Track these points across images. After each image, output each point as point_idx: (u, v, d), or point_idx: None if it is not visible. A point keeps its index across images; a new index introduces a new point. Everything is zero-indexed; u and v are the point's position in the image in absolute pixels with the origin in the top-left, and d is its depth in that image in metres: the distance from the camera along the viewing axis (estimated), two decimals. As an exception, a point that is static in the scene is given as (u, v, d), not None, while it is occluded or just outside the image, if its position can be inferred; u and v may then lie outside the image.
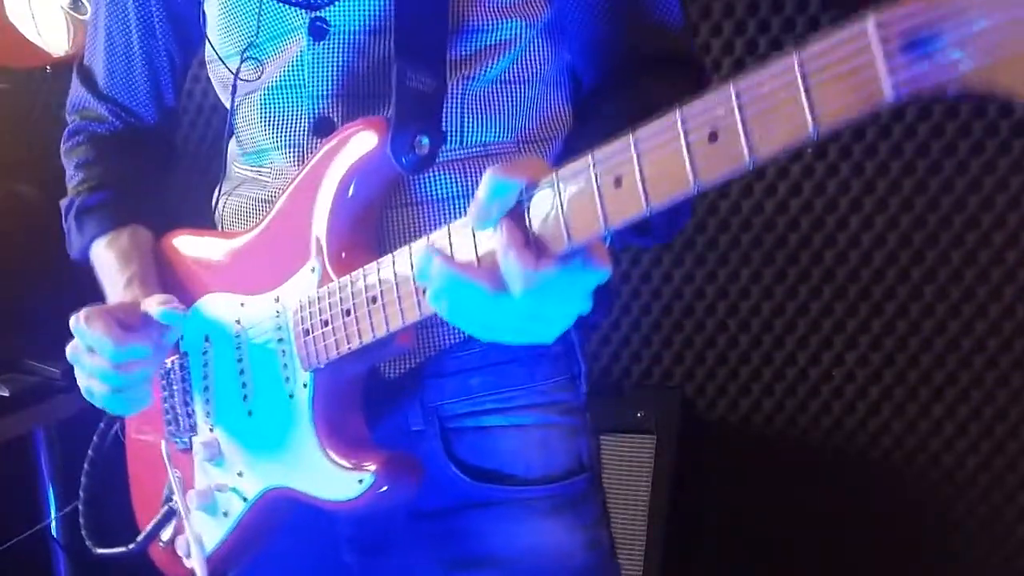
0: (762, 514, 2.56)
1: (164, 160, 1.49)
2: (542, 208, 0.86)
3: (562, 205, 0.85)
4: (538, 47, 1.20)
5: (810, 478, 2.54)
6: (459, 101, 1.16)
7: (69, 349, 1.18)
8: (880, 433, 2.48)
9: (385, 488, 1.07)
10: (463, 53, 1.15)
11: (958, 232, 2.33)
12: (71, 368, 1.21)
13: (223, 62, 1.27)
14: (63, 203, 1.41)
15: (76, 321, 1.15)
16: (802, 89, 0.70)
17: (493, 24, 1.15)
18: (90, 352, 1.16)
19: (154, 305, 1.17)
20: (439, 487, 1.17)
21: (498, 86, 1.18)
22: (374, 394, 1.16)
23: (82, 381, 1.20)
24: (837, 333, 2.48)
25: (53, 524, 2.47)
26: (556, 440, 1.21)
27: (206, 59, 1.32)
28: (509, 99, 1.19)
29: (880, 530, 2.48)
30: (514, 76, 1.19)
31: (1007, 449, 2.38)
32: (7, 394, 2.37)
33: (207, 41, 1.28)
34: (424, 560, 1.21)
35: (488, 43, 1.16)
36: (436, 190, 1.16)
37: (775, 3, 2.41)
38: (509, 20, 1.15)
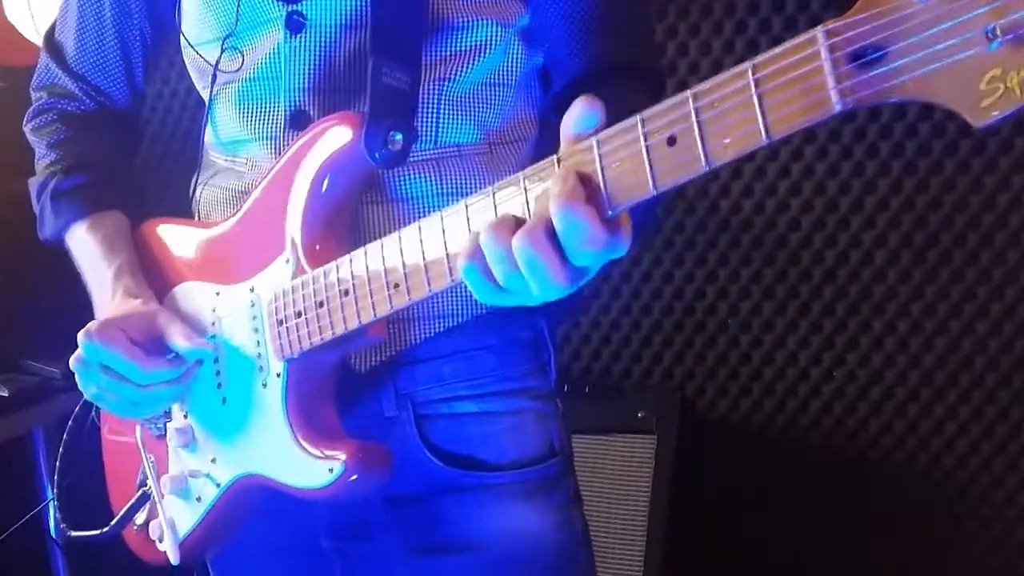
0: (762, 514, 2.56)
1: (134, 145, 1.49)
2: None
3: (527, 196, 0.87)
4: (512, 51, 1.23)
5: (811, 478, 2.54)
6: (434, 102, 1.18)
7: (75, 363, 1.16)
8: (881, 434, 2.47)
9: (355, 477, 1.08)
10: (440, 55, 1.16)
11: (960, 232, 2.33)
12: (71, 368, 1.19)
13: (196, 49, 1.27)
14: (33, 182, 1.38)
15: (88, 338, 1.14)
16: (755, 95, 0.74)
17: (469, 24, 1.17)
18: (104, 368, 1.15)
19: (182, 341, 1.17)
20: (413, 473, 1.19)
21: (473, 88, 1.20)
22: (348, 383, 1.17)
23: (90, 391, 1.19)
24: (838, 333, 2.47)
25: (52, 524, 2.47)
26: (528, 425, 1.23)
27: (182, 45, 1.31)
28: (483, 101, 1.21)
29: (881, 530, 2.48)
30: (489, 79, 1.21)
31: (1008, 449, 2.38)
32: (7, 394, 2.37)
33: (182, 27, 1.28)
34: (399, 545, 1.22)
35: (464, 46, 1.17)
36: (409, 188, 1.18)
37: (776, 2, 2.40)
38: (484, 20, 1.17)
